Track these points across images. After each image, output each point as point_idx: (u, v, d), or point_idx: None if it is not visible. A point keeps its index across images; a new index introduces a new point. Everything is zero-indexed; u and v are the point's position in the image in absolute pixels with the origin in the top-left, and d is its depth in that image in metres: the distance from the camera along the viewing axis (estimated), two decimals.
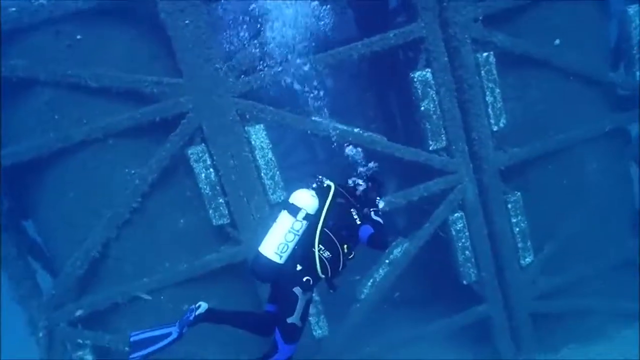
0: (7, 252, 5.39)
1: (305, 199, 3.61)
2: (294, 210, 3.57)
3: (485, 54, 5.93)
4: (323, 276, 3.55)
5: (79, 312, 5.61)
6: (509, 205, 6.39)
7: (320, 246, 3.52)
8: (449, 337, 7.31)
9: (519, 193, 6.41)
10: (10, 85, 5.20)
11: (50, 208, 5.70)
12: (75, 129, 5.26)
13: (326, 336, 6.26)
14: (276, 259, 3.53)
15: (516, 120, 6.33)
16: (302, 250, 3.56)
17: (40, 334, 5.54)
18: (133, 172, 5.52)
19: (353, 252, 3.66)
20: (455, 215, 6.30)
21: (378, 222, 3.62)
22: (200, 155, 5.51)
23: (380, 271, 6.38)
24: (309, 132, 5.83)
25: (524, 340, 6.79)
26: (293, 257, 3.57)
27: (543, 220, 6.66)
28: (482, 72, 5.97)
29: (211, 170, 5.57)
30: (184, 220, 5.85)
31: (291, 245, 3.55)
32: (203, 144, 5.53)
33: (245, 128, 5.61)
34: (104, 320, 5.86)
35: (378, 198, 3.80)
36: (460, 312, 6.70)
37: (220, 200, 5.65)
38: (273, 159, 5.72)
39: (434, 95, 5.93)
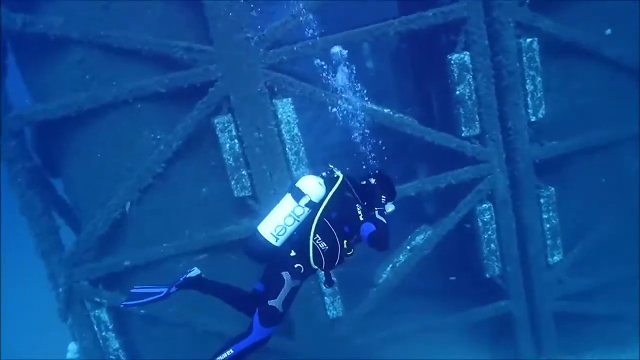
0: (33, 208, 5.48)
1: (311, 185, 3.49)
2: (297, 194, 3.47)
3: (528, 40, 5.64)
4: (316, 267, 3.43)
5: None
6: (542, 200, 6.13)
7: (318, 236, 3.41)
8: (468, 332, 7.19)
9: (552, 188, 6.14)
10: (46, 42, 5.25)
11: (78, 167, 5.79)
12: (104, 90, 5.28)
13: (340, 317, 6.19)
14: (272, 240, 3.45)
15: (557, 112, 6.03)
16: (300, 236, 3.46)
17: (60, 290, 5.65)
18: (158, 137, 5.53)
19: (353, 249, 3.50)
20: (483, 206, 6.09)
21: (381, 221, 3.40)
22: (226, 125, 5.46)
23: (401, 257, 6.25)
24: (337, 109, 5.67)
25: (545, 340, 6.56)
26: (290, 242, 3.48)
27: (576, 219, 6.39)
28: (524, 58, 5.69)
29: (236, 141, 5.52)
30: (206, 190, 5.84)
31: (290, 229, 3.46)
32: (230, 114, 5.47)
33: (273, 101, 5.52)
34: (122, 281, 5.95)
35: (384, 198, 3.57)
36: (480, 306, 6.53)
37: (243, 172, 5.61)
38: (299, 134, 5.63)
39: (470, 80, 5.69)
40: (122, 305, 3.65)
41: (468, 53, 5.64)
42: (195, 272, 3.60)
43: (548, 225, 6.21)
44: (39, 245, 5.60)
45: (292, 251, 3.44)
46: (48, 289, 5.93)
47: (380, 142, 9.77)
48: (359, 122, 5.83)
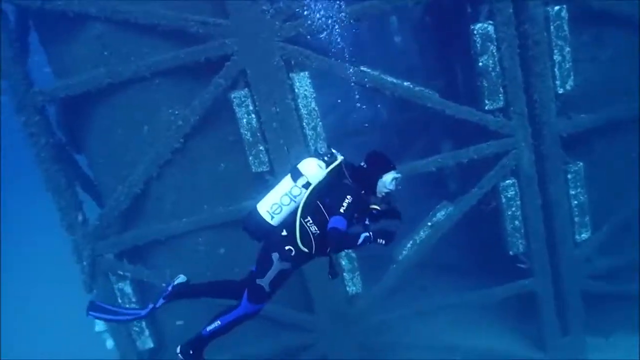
0: (57, 183, 5.60)
1: (310, 167, 3.45)
2: (296, 175, 3.45)
3: (556, 8, 5.40)
4: (306, 250, 3.39)
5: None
6: (569, 176, 5.93)
7: (309, 218, 3.38)
8: (492, 310, 7.08)
9: (581, 163, 5.93)
10: (66, 19, 5.30)
11: (99, 143, 5.88)
12: (123, 66, 5.31)
13: (359, 293, 6.17)
14: (267, 217, 3.43)
15: (586, 84, 5.79)
16: (293, 217, 3.42)
17: (85, 263, 5.80)
18: (177, 112, 5.55)
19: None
20: (507, 182, 5.92)
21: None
22: (242, 99, 5.44)
23: (422, 233, 6.15)
24: (354, 82, 5.57)
25: (572, 320, 6.40)
26: (285, 223, 3.45)
27: (606, 195, 6.15)
28: (552, 27, 5.45)
29: (253, 115, 5.49)
30: (224, 165, 5.86)
31: (285, 209, 3.42)
32: (246, 89, 5.44)
33: (290, 75, 5.45)
34: (144, 255, 6.07)
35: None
36: (504, 284, 6.39)
37: (261, 148, 5.59)
38: (316, 108, 5.56)
39: (494, 51, 5.49)
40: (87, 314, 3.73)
41: (492, 22, 5.43)
42: (181, 279, 3.68)
43: (576, 202, 6.00)
44: (63, 219, 5.73)
45: (284, 231, 3.41)
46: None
47: (404, 117, 9.59)
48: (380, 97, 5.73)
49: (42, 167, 5.55)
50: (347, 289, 6.14)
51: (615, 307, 6.39)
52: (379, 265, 6.42)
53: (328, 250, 3.44)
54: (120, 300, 6.02)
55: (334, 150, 3.56)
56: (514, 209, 5.99)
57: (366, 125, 12.10)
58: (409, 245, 6.18)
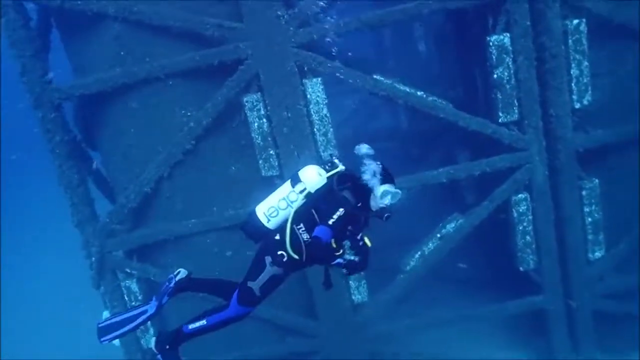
0: (69, 179, 5.69)
1: (309, 174, 3.41)
2: (295, 181, 3.42)
3: (575, 21, 5.31)
4: (296, 257, 3.33)
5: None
6: (584, 193, 5.81)
7: (301, 225, 3.33)
8: (502, 325, 6.97)
9: (596, 180, 5.81)
10: (86, 19, 5.39)
11: (113, 141, 5.96)
12: (138, 66, 5.37)
13: (365, 302, 6.12)
14: (263, 220, 3.40)
15: (605, 99, 5.68)
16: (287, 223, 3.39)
17: (93, 259, 5.87)
18: (189, 114, 5.60)
19: (342, 250, 3.33)
20: (519, 196, 5.82)
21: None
22: (255, 103, 5.46)
23: (430, 245, 6.09)
24: (369, 90, 5.55)
25: (582, 339, 6.26)
26: (281, 227, 3.41)
27: (622, 214, 6.00)
28: (570, 41, 5.37)
29: (264, 120, 5.50)
30: (235, 168, 5.88)
31: (282, 213, 3.38)
32: (259, 93, 5.46)
33: (303, 80, 5.45)
34: (152, 254, 6.12)
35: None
36: (514, 299, 6.28)
37: (271, 152, 5.60)
38: (328, 115, 5.55)
39: (509, 63, 5.42)
40: (100, 342, 3.64)
41: (508, 34, 5.37)
42: (182, 273, 3.62)
43: (590, 219, 5.88)
44: (75, 215, 5.81)
45: (278, 235, 3.38)
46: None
47: (424, 126, 9.49)
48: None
49: (56, 163, 5.64)
50: (353, 297, 6.10)
51: (627, 327, 6.23)
52: (387, 275, 6.38)
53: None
54: (126, 298, 6.08)
55: (336, 160, 3.51)
56: (525, 223, 5.89)
57: (384, 132, 12.10)
58: (417, 256, 6.12)
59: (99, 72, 5.48)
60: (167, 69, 5.36)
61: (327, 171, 3.44)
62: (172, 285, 3.60)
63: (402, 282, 6.13)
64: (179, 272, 3.65)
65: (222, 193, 5.90)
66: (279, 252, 3.37)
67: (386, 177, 3.39)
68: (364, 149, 3.37)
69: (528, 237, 5.94)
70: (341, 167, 3.46)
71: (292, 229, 3.35)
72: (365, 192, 3.38)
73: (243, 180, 5.89)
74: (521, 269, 6.08)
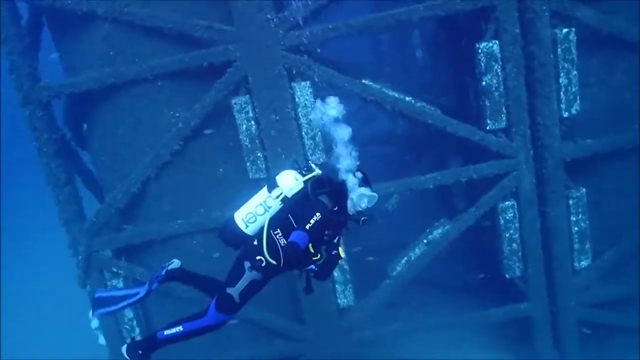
0: (57, 178, 5.69)
1: (285, 178, 3.42)
2: (272, 185, 3.42)
3: (565, 30, 5.31)
4: (274, 262, 3.33)
5: None
6: (570, 202, 5.81)
7: (278, 231, 3.34)
8: (488, 331, 6.96)
9: (583, 189, 5.81)
10: (76, 18, 5.40)
11: (102, 141, 5.97)
12: (126, 66, 5.38)
13: (351, 306, 6.12)
14: (242, 226, 3.40)
15: (594, 109, 5.69)
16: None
17: (80, 257, 5.87)
18: (178, 115, 5.60)
19: (320, 255, 3.35)
20: (506, 203, 5.83)
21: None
22: (243, 106, 5.46)
23: (417, 250, 6.09)
24: (357, 95, 5.55)
25: (567, 348, 6.25)
26: (259, 233, 3.42)
27: (609, 224, 6.01)
28: (559, 50, 5.36)
29: (252, 122, 5.51)
30: (222, 170, 5.88)
31: (260, 219, 3.38)
32: (247, 95, 5.46)
33: (291, 84, 5.45)
34: (139, 254, 6.12)
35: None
36: (499, 306, 6.29)
37: (259, 154, 5.60)
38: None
39: (498, 70, 5.43)
40: (92, 315, 3.68)
41: (497, 42, 5.37)
42: (175, 263, 3.64)
43: (576, 229, 5.87)
44: (62, 213, 5.82)
45: (256, 241, 3.38)
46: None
47: (420, 130, 9.47)
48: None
49: (43, 161, 5.64)
50: (339, 301, 6.09)
51: (613, 336, 6.23)
52: (373, 280, 6.39)
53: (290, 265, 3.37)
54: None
55: (312, 164, 3.52)
56: (512, 231, 5.89)
57: (380, 136, 12.09)
58: (403, 261, 6.12)
59: (89, 71, 5.49)
60: (156, 69, 5.36)
61: (304, 176, 3.44)
62: (163, 273, 3.61)
63: (388, 287, 6.13)
64: (172, 262, 3.68)
65: (210, 194, 5.90)
66: (258, 258, 3.38)
67: (363, 181, 3.42)
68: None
69: (514, 245, 5.94)
70: (318, 172, 3.46)
71: (268, 234, 3.36)
72: (342, 196, 3.39)
73: (231, 181, 5.89)
74: (507, 276, 6.08)
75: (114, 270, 6.02)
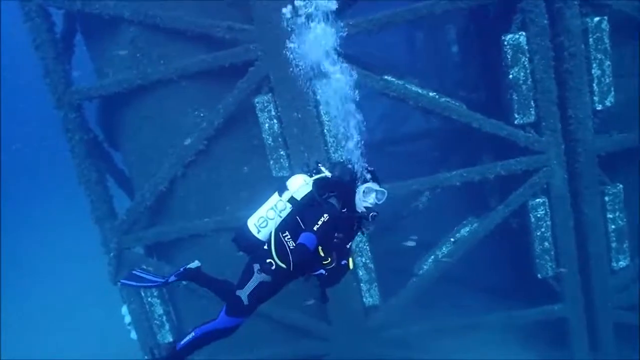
0: (88, 177, 5.89)
1: (295, 182, 3.40)
2: (282, 189, 3.41)
3: (596, 19, 5.09)
4: (283, 266, 3.29)
5: None
6: (606, 198, 5.56)
7: (287, 233, 3.30)
8: (526, 333, 6.74)
9: (620, 185, 5.55)
10: (105, 23, 5.58)
11: (131, 141, 6.13)
12: (152, 68, 5.51)
13: (376, 305, 6.05)
14: (253, 230, 3.41)
15: (630, 100, 5.41)
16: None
17: (111, 254, 6.05)
18: (202, 115, 5.69)
19: (331, 259, 3.28)
20: (537, 200, 5.63)
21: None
22: (265, 104, 5.49)
23: (444, 249, 5.96)
24: (379, 91, 5.49)
25: (604, 351, 5.97)
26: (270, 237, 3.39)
27: None
28: (590, 40, 5.14)
29: (275, 121, 5.53)
30: (247, 168, 5.93)
31: (271, 223, 3.37)
32: (270, 94, 5.49)
33: (312, 81, 5.43)
34: (169, 252, 6.26)
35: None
36: (531, 307, 6.07)
37: (282, 152, 5.62)
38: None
39: (525, 63, 5.25)
40: (119, 282, 3.77)
41: (524, 33, 5.20)
42: (195, 264, 3.67)
43: (613, 227, 5.62)
44: (93, 212, 6.01)
45: (266, 245, 3.37)
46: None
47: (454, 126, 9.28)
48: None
49: (75, 161, 5.85)
50: (364, 300, 6.04)
51: None
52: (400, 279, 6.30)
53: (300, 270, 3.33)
54: (142, 294, 6.24)
55: (322, 167, 3.48)
56: (543, 229, 5.68)
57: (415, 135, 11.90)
58: (429, 260, 6.01)
59: (117, 74, 5.67)
60: (180, 71, 5.47)
61: (312, 178, 3.40)
62: (181, 270, 3.66)
63: (414, 286, 6.03)
64: (193, 262, 3.71)
65: (235, 193, 5.97)
66: (268, 261, 3.35)
67: (372, 177, 3.38)
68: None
69: (546, 244, 5.72)
70: (327, 174, 3.42)
71: (277, 236, 3.33)
72: (350, 195, 3.34)
73: (255, 180, 5.94)
74: (539, 276, 5.87)
75: (144, 267, 6.15)
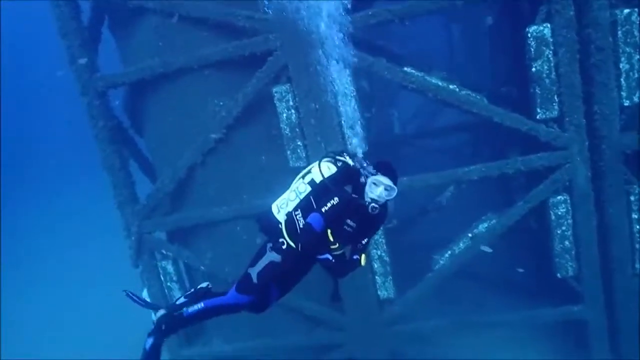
0: (111, 163, 6.04)
1: (317, 166, 3.42)
2: (306, 172, 3.46)
3: (626, 11, 4.89)
4: (293, 244, 3.29)
5: None
6: (632, 198, 5.35)
7: (299, 211, 3.31)
8: (544, 334, 6.60)
9: None
10: (129, 11, 5.69)
11: (154, 128, 6.27)
12: (174, 57, 5.59)
13: (391, 299, 6.03)
14: (274, 210, 3.46)
15: None
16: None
17: (132, 238, 6.21)
18: (222, 103, 5.75)
19: (339, 245, 3.26)
20: (558, 197, 5.47)
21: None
22: (284, 94, 5.51)
23: (461, 244, 5.88)
24: (398, 83, 5.43)
25: (626, 355, 5.78)
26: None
27: None
28: (619, 32, 4.94)
29: (293, 111, 5.55)
30: (265, 158, 5.97)
31: (291, 204, 3.40)
32: (288, 84, 5.50)
33: (329, 70, 5.42)
34: (188, 238, 6.38)
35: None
36: (551, 307, 5.94)
37: (299, 143, 5.64)
38: (356, 107, 5.47)
39: (549, 56, 5.09)
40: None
41: (549, 25, 5.04)
42: (204, 285, 3.70)
43: (638, 227, 5.41)
44: (116, 196, 6.17)
45: (281, 223, 3.39)
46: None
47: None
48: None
49: (100, 147, 6.01)
50: (379, 293, 6.02)
51: None
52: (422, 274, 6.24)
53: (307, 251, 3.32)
54: (162, 278, 6.39)
55: (345, 154, 3.50)
56: (564, 227, 5.53)
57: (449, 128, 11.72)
58: (447, 255, 5.93)
59: (141, 62, 5.77)
60: (201, 59, 5.54)
61: (335, 164, 3.42)
62: (192, 289, 3.71)
63: (430, 281, 5.97)
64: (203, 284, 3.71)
65: (253, 182, 6.02)
66: (280, 240, 3.39)
67: (384, 171, 3.35)
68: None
69: (567, 242, 5.57)
70: (349, 161, 3.43)
71: (290, 215, 3.36)
72: (363, 186, 3.34)
73: (273, 169, 5.97)
74: (559, 275, 5.72)
75: (164, 252, 6.31)
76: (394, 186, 3.30)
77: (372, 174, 3.32)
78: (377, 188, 3.24)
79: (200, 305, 3.58)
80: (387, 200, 3.31)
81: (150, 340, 3.58)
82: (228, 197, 6.05)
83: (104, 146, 6.02)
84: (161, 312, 3.67)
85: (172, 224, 6.21)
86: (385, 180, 3.28)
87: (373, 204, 3.25)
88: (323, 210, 3.20)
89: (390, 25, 5.60)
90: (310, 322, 6.46)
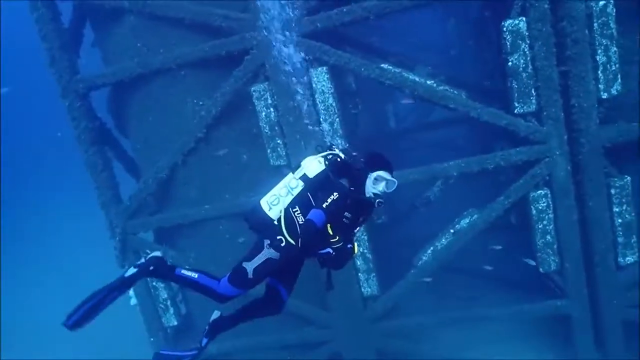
0: (94, 164, 6.07)
1: (309, 160, 3.45)
2: (297, 167, 3.48)
3: (601, 3, 4.85)
4: (292, 242, 3.31)
5: None
6: (612, 191, 5.32)
7: (297, 208, 3.33)
8: (534, 329, 6.58)
9: (628, 178, 5.30)
10: (109, 12, 5.71)
11: (136, 128, 6.29)
12: (152, 57, 5.61)
13: (375, 295, 6.03)
14: (265, 208, 3.44)
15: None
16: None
17: (117, 239, 6.23)
18: (201, 103, 5.76)
19: (339, 238, 3.27)
20: (538, 192, 5.45)
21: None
22: (262, 93, 5.51)
23: (443, 240, 5.87)
24: (374, 80, 5.41)
25: (610, 349, 5.76)
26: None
27: None
28: (595, 25, 4.91)
29: (271, 109, 5.55)
30: (247, 157, 5.98)
31: (283, 200, 3.41)
32: (266, 82, 5.50)
33: (308, 70, 5.42)
34: (172, 238, 6.40)
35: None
36: (536, 302, 5.92)
37: (279, 141, 5.64)
38: (334, 104, 5.48)
39: (525, 49, 5.06)
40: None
41: (524, 19, 5.01)
42: (215, 314, 3.79)
43: (620, 221, 5.38)
44: (99, 197, 6.20)
45: (277, 221, 3.39)
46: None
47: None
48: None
49: (82, 148, 6.04)
50: (362, 289, 6.02)
51: None
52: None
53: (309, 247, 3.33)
54: (147, 278, 6.40)
55: (335, 148, 3.52)
56: (545, 222, 5.50)
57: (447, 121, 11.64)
58: (429, 251, 5.92)
59: (120, 63, 5.80)
60: (178, 59, 5.56)
61: (326, 159, 3.44)
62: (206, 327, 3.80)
63: (412, 277, 5.96)
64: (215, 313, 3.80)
65: (234, 181, 6.03)
66: (278, 237, 3.38)
67: (383, 165, 3.41)
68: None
69: (548, 237, 5.54)
70: (340, 155, 3.45)
71: (287, 212, 3.37)
72: (361, 179, 3.39)
73: (254, 168, 5.99)
74: (541, 270, 5.70)
75: (148, 252, 6.31)
76: (394, 179, 3.39)
77: (367, 168, 3.39)
78: (380, 183, 3.33)
79: (194, 275, 3.57)
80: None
81: (132, 270, 3.62)
82: (210, 196, 6.07)
83: (86, 147, 6.05)
84: (156, 253, 3.74)
85: (155, 224, 6.24)
86: (387, 176, 3.38)
87: (379, 200, 3.33)
88: (324, 206, 3.23)
89: (387, 21, 5.59)
90: (297, 320, 6.46)
